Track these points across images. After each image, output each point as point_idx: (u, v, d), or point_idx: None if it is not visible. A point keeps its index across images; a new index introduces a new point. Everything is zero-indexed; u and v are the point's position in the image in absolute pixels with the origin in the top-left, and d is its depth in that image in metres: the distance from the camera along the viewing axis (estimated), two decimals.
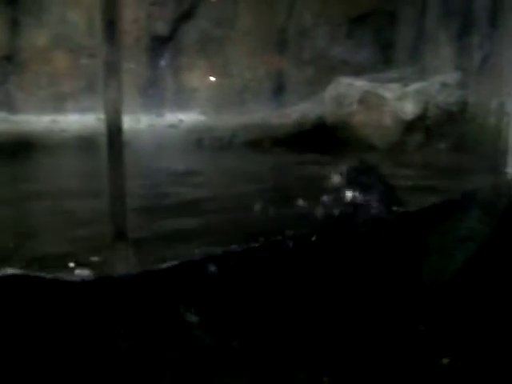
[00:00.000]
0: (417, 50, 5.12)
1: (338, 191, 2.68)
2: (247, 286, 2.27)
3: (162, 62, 5.06)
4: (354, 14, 5.25)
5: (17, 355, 1.91)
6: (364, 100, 4.79)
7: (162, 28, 5.01)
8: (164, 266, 2.05)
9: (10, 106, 4.58)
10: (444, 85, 4.69)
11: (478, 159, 4.00)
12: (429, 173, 3.87)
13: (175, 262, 2.07)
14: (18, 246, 2.32)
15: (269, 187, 3.54)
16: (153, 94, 4.91)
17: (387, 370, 2.22)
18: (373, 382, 2.16)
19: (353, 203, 2.65)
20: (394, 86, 4.77)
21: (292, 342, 2.26)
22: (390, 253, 2.66)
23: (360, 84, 4.85)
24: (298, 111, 4.99)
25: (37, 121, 4.42)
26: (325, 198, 2.64)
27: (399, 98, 4.69)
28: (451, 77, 4.73)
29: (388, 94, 4.70)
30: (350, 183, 2.70)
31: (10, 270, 1.92)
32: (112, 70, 1.73)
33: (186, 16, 5.06)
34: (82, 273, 1.94)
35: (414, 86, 4.74)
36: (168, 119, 4.69)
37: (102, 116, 1.85)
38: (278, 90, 5.20)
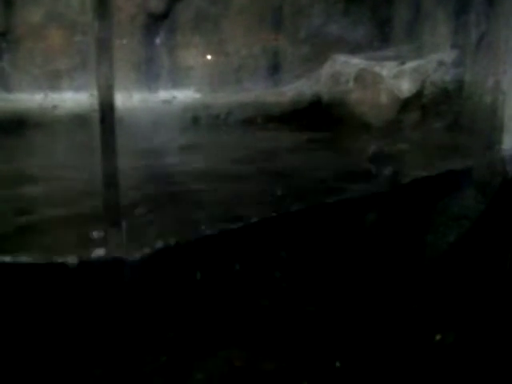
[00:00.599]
0: (414, 28, 5.09)
1: None
2: None
3: (157, 40, 5.02)
4: None
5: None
6: (360, 78, 4.78)
7: (156, 5, 4.97)
8: None
9: (4, 84, 4.56)
10: (440, 63, 4.67)
11: (473, 137, 4.00)
12: (424, 150, 3.88)
13: None
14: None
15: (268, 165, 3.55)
16: (148, 72, 4.88)
17: (380, 345, 2.23)
18: (368, 360, 2.18)
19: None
20: (391, 64, 4.75)
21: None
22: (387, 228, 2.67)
23: (356, 62, 4.83)
24: (293, 89, 4.97)
25: (31, 98, 4.40)
26: None
27: (395, 76, 4.67)
28: (448, 55, 4.71)
29: (384, 72, 4.68)
30: None
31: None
32: (104, 46, 1.72)
33: None
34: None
35: (410, 64, 4.72)
36: (162, 97, 4.67)
37: (96, 92, 1.85)
38: (274, 67, 5.18)
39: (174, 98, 4.63)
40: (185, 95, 4.75)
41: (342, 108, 4.81)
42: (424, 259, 2.77)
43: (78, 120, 4.03)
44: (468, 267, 2.78)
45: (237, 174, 3.23)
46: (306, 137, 4.23)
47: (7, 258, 1.92)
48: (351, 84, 4.80)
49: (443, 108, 4.55)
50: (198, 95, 4.88)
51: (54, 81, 4.61)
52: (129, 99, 4.24)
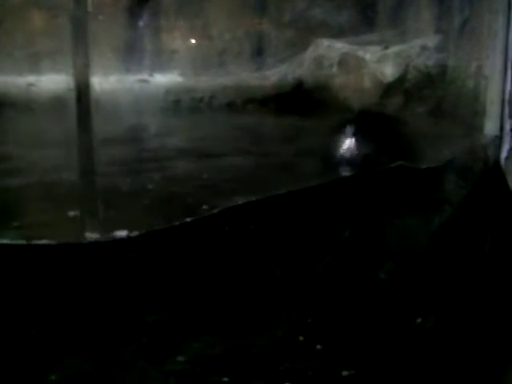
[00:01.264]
0: (397, 13, 5.09)
1: None
2: None
3: (141, 23, 4.99)
4: None
5: None
6: (343, 62, 4.77)
7: None
8: None
9: None
10: (424, 48, 4.67)
11: (455, 122, 4.01)
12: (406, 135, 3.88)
13: None
14: None
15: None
16: (131, 55, 4.85)
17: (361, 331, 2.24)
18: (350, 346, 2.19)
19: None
20: (374, 49, 4.74)
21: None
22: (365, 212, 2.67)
23: (340, 46, 4.82)
24: (277, 73, 4.96)
25: (12, 81, 4.36)
26: None
27: (379, 61, 4.66)
28: (431, 40, 4.71)
29: (368, 57, 4.68)
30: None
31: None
32: (80, 25, 1.71)
33: None
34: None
35: (393, 49, 4.72)
36: (144, 80, 4.65)
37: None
38: (258, 51, 5.16)
39: (157, 81, 4.61)
40: (168, 78, 4.73)
41: (325, 92, 4.80)
42: (405, 243, 2.78)
43: (59, 103, 4.00)
44: (449, 251, 2.80)
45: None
46: (287, 120, 4.23)
47: None
48: (334, 68, 4.80)
49: (426, 93, 4.56)
50: (181, 78, 4.86)
51: (35, 63, 4.56)
52: (112, 82, 4.21)
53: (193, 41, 5.03)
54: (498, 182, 3.23)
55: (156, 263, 2.17)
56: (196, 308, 2.18)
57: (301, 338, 2.09)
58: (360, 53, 4.72)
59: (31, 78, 4.40)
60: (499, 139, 3.46)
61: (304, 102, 4.74)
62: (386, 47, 4.72)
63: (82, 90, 1.74)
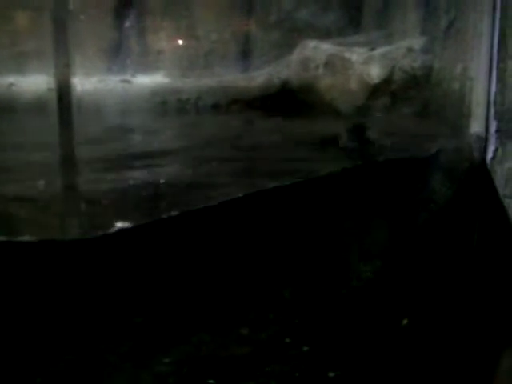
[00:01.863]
0: (384, 15, 5.10)
1: None
2: None
3: (127, 23, 4.96)
4: None
5: None
6: (330, 63, 4.77)
7: None
8: None
9: None
10: (410, 49, 4.69)
11: (441, 123, 4.03)
12: (392, 136, 3.90)
13: None
14: None
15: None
16: (116, 56, 4.82)
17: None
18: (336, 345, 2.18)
19: None
20: (361, 50, 4.75)
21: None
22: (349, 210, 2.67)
23: (326, 47, 4.82)
24: (263, 74, 4.95)
25: None
26: None
27: (365, 62, 4.67)
28: (417, 42, 4.73)
29: (354, 58, 4.69)
30: None
31: None
32: (60, 24, 1.69)
33: None
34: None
35: (380, 50, 4.73)
36: (130, 81, 4.62)
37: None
38: (244, 52, 5.15)
39: (142, 82, 4.59)
40: (153, 79, 4.70)
41: (311, 94, 4.80)
42: (387, 241, 2.78)
43: (43, 103, 3.97)
44: (435, 250, 2.81)
45: None
46: (272, 122, 4.22)
47: None
48: (321, 70, 4.80)
49: (412, 94, 4.57)
50: (166, 79, 4.84)
51: (20, 63, 4.52)
52: (94, 83, 4.19)
53: (179, 41, 5.01)
54: (483, 182, 3.25)
55: (140, 261, 2.15)
56: (183, 309, 2.17)
57: (287, 340, 2.09)
58: (346, 54, 4.73)
59: (16, 78, 4.36)
60: (485, 140, 3.49)
61: (290, 103, 4.73)
62: (373, 49, 4.73)
63: (63, 90, 1.72)
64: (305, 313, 2.26)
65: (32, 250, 1.97)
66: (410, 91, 4.61)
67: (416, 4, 4.75)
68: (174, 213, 2.24)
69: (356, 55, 4.70)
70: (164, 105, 4.61)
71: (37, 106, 4.00)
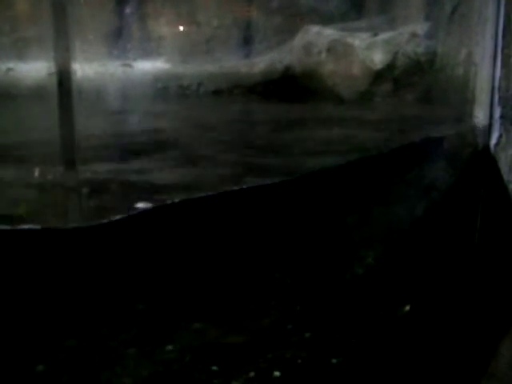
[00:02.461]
0: (387, 0, 5.07)
1: None
2: None
3: (128, 10, 4.94)
4: None
5: None
6: (332, 49, 4.75)
7: None
8: None
9: None
10: (413, 35, 4.66)
11: (445, 109, 4.00)
12: (395, 122, 3.88)
13: None
14: None
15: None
16: (118, 42, 4.80)
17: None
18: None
19: None
20: (363, 36, 4.72)
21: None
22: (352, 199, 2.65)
23: (329, 33, 4.79)
24: (265, 60, 4.93)
25: None
26: None
27: (368, 48, 4.64)
28: (420, 27, 4.69)
29: (357, 43, 4.66)
30: None
31: None
32: (60, 9, 1.67)
33: None
34: None
35: (383, 36, 4.70)
36: (132, 67, 4.61)
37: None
38: (246, 38, 5.12)
39: (144, 68, 4.57)
40: (156, 66, 4.69)
41: (314, 79, 4.78)
42: (391, 230, 2.77)
43: (44, 90, 3.95)
44: (437, 238, 2.79)
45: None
46: (274, 108, 4.20)
47: None
48: (323, 55, 4.77)
49: (415, 80, 4.55)
50: (168, 65, 4.82)
51: (21, 49, 4.51)
52: (102, 71, 4.17)
53: (180, 27, 4.99)
54: (487, 167, 3.23)
55: (143, 249, 2.14)
56: (185, 296, 2.16)
57: (289, 326, 2.08)
58: (349, 40, 4.70)
59: (17, 64, 4.35)
60: (489, 126, 3.46)
61: (292, 88, 4.71)
62: (375, 34, 4.70)
63: (64, 75, 1.70)
64: (307, 299, 2.25)
65: (35, 236, 1.97)
66: (414, 77, 4.58)
67: None
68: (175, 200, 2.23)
69: (359, 40, 4.67)
70: (165, 90, 4.60)
71: (37, 91, 3.99)
